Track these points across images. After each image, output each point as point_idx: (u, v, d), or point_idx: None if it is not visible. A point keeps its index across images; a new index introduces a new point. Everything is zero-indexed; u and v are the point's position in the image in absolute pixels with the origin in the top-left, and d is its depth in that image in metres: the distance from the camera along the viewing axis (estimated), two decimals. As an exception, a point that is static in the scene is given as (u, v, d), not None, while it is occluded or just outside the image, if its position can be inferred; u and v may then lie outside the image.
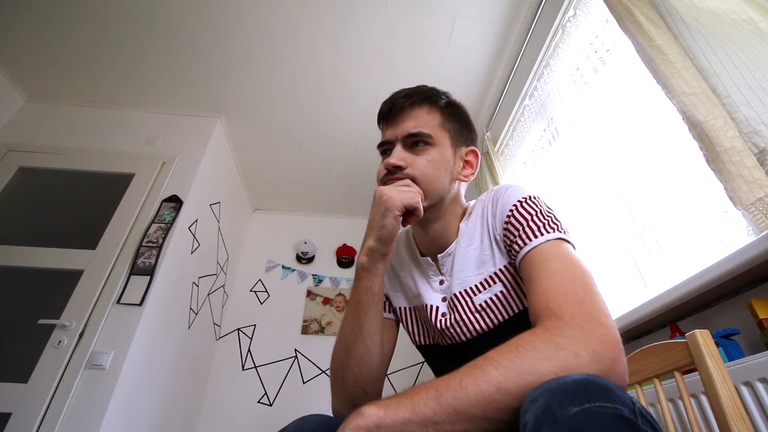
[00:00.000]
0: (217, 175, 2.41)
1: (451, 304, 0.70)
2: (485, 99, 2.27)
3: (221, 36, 1.99)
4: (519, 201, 0.65)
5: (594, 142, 1.47)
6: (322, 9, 1.87)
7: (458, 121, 0.75)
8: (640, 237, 1.23)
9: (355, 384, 0.66)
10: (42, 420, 1.40)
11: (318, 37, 1.99)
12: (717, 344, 0.64)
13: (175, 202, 2.00)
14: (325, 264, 3.04)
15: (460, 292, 0.69)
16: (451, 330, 0.69)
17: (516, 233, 0.62)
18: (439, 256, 0.73)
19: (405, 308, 0.79)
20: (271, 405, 2.47)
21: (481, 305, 0.66)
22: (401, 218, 0.64)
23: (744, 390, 0.77)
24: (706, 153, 0.89)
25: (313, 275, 2.97)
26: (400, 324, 0.81)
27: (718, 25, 0.90)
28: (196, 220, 2.15)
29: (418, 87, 0.74)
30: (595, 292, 0.51)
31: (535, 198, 0.66)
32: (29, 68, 2.15)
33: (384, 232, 0.63)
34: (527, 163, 2.02)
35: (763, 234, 0.80)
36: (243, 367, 2.58)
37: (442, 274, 0.73)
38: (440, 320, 0.70)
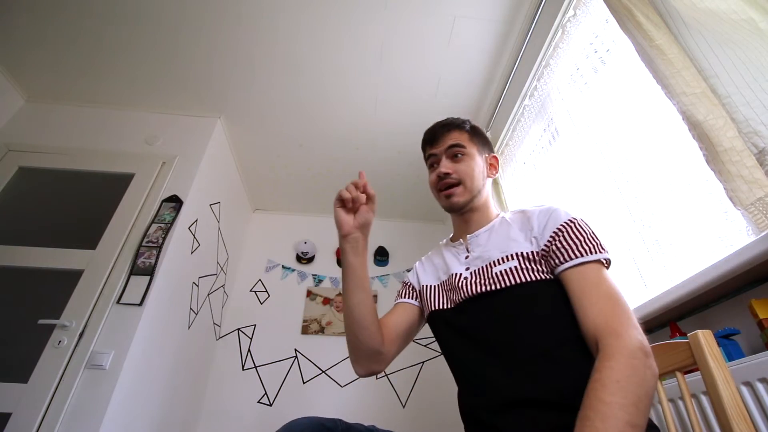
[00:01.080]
0: (217, 175, 2.41)
1: (474, 273, 0.84)
2: (485, 99, 2.27)
3: (222, 36, 1.99)
4: (573, 219, 0.78)
5: (594, 142, 1.47)
6: (323, 9, 1.87)
7: (480, 137, 1.01)
8: (640, 237, 1.23)
9: (360, 347, 0.85)
10: (42, 420, 1.40)
11: (318, 37, 1.99)
12: (717, 344, 0.64)
13: (175, 202, 2.00)
14: (325, 264, 3.04)
15: (482, 266, 0.83)
16: (466, 286, 0.83)
17: (567, 244, 0.74)
18: (467, 236, 0.92)
19: (433, 285, 0.93)
20: (271, 405, 2.47)
21: (496, 274, 0.80)
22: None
23: (744, 390, 0.77)
24: (706, 153, 0.89)
25: (313, 275, 2.97)
26: (422, 303, 0.95)
27: (718, 25, 0.90)
28: (196, 220, 2.15)
29: (450, 118, 1.01)
30: (630, 310, 0.66)
31: (584, 221, 0.80)
32: (29, 68, 2.15)
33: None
34: (527, 163, 2.02)
35: (763, 234, 0.80)
36: (243, 367, 2.58)
37: (468, 252, 0.90)
38: (462, 281, 0.85)
